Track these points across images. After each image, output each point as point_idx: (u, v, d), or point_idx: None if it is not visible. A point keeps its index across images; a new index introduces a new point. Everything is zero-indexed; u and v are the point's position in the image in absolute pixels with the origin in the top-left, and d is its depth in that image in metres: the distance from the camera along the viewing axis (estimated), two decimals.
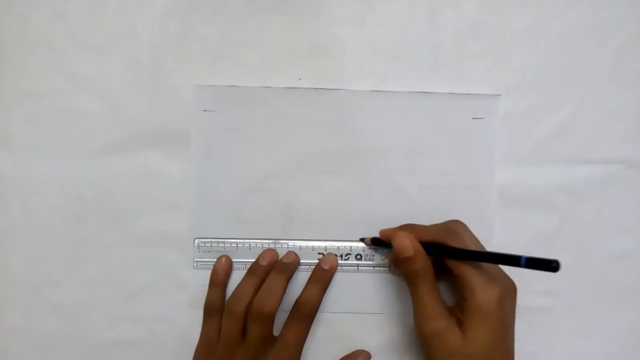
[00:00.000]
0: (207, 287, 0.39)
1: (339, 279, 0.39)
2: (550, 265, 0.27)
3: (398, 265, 0.39)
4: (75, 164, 0.39)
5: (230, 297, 0.38)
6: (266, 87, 0.39)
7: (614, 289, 0.40)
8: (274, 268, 0.38)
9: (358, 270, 0.39)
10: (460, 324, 0.33)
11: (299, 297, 0.38)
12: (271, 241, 0.39)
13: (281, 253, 0.39)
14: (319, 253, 0.39)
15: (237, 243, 0.39)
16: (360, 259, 0.39)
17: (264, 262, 0.38)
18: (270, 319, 0.36)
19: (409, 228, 0.37)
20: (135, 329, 0.39)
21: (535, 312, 0.40)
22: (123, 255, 0.39)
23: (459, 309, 0.33)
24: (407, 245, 0.34)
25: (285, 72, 0.39)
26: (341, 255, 0.39)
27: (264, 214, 0.39)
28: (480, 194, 0.40)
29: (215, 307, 0.38)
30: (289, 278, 0.38)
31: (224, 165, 0.39)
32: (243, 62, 0.39)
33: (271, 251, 0.39)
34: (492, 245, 0.39)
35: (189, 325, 0.39)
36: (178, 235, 0.39)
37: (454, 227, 0.35)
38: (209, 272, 0.39)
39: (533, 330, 0.40)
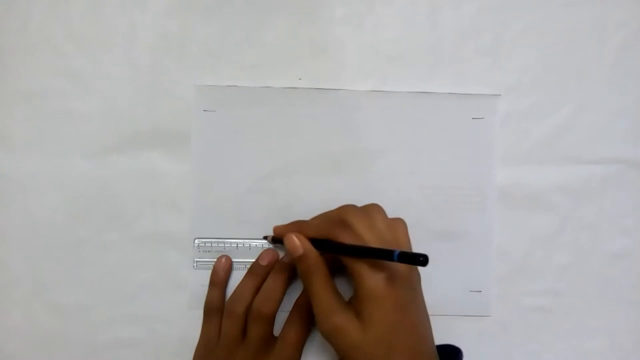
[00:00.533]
0: (207, 287, 0.39)
1: None
2: (419, 260, 0.29)
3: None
4: (75, 164, 0.39)
5: (230, 298, 0.38)
6: (266, 87, 0.39)
7: (614, 289, 0.40)
8: (274, 268, 0.38)
9: None
10: (358, 313, 0.32)
11: (299, 297, 0.38)
12: None
13: (281, 253, 0.39)
14: None
15: (237, 243, 0.39)
16: None
17: (264, 262, 0.38)
18: (271, 319, 0.36)
19: (298, 225, 0.37)
20: (135, 329, 0.39)
21: (535, 312, 0.40)
22: (123, 255, 0.39)
23: (355, 299, 0.33)
24: (296, 244, 0.34)
25: (285, 72, 0.39)
26: None
27: (264, 214, 0.39)
28: (480, 194, 0.40)
29: (215, 307, 0.38)
30: (289, 278, 0.38)
31: (224, 165, 0.39)
32: (243, 62, 0.39)
33: (271, 251, 0.39)
34: (492, 245, 0.40)
35: (189, 325, 0.39)
36: (178, 235, 0.39)
37: (342, 215, 0.34)
38: (209, 272, 0.39)
39: (533, 330, 0.40)
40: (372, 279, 0.32)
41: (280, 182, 0.39)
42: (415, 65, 0.40)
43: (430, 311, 0.39)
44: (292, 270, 0.38)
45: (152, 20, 0.39)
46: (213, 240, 0.39)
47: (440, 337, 0.39)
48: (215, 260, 0.39)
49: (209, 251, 0.39)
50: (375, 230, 0.34)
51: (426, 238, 0.39)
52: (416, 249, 0.39)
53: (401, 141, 0.40)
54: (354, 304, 0.33)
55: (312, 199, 0.39)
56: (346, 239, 0.33)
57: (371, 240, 0.33)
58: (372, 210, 0.35)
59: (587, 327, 0.40)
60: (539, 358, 0.40)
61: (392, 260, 0.30)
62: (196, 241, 0.39)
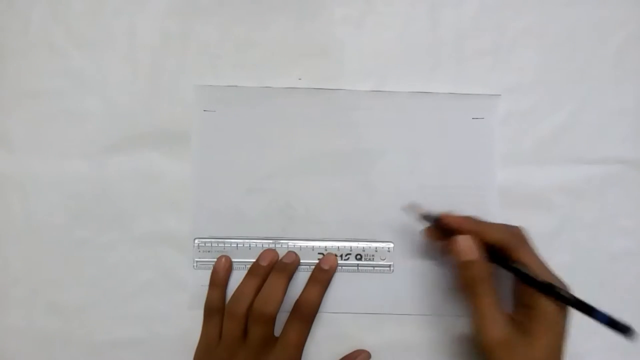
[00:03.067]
0: (207, 287, 0.39)
1: (338, 279, 0.39)
2: (627, 331, 0.30)
3: (456, 267, 0.35)
4: (75, 164, 0.39)
5: (231, 298, 0.38)
6: (266, 87, 0.39)
7: (614, 289, 0.40)
8: (274, 268, 0.38)
9: (358, 271, 0.39)
10: (525, 331, 0.32)
11: (299, 297, 0.38)
12: (271, 241, 0.39)
13: (281, 253, 0.39)
14: (318, 253, 0.39)
15: (237, 243, 0.39)
16: (360, 259, 0.39)
17: (264, 263, 0.38)
18: (272, 319, 0.36)
19: (473, 223, 0.34)
20: (135, 329, 0.39)
21: None
22: (123, 255, 0.39)
23: (523, 316, 0.33)
24: (470, 247, 0.33)
25: (285, 72, 0.39)
26: (341, 255, 0.39)
27: (264, 214, 0.39)
28: (480, 194, 0.40)
29: (216, 308, 0.38)
30: (289, 278, 0.38)
31: (224, 165, 0.39)
32: (243, 62, 0.39)
33: (271, 251, 0.39)
34: None
35: (189, 325, 0.39)
36: (178, 235, 0.39)
37: (522, 233, 0.35)
38: (209, 272, 0.39)
39: None
40: (550, 302, 0.32)
41: (280, 182, 0.39)
42: (415, 65, 0.40)
43: (430, 311, 0.39)
44: (292, 271, 0.38)
45: (152, 20, 0.39)
46: (213, 240, 0.39)
47: (440, 336, 0.39)
48: (215, 260, 0.39)
49: (209, 251, 0.39)
50: (540, 258, 0.34)
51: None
52: (416, 248, 0.39)
53: (401, 141, 0.40)
54: (520, 320, 0.33)
55: (312, 199, 0.39)
56: (526, 256, 0.33)
57: (543, 268, 0.33)
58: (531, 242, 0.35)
59: (587, 327, 0.40)
60: None
61: (595, 318, 0.31)
62: (196, 241, 0.39)
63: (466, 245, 0.33)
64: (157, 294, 0.39)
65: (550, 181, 0.40)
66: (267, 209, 0.39)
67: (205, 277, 0.39)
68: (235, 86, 0.39)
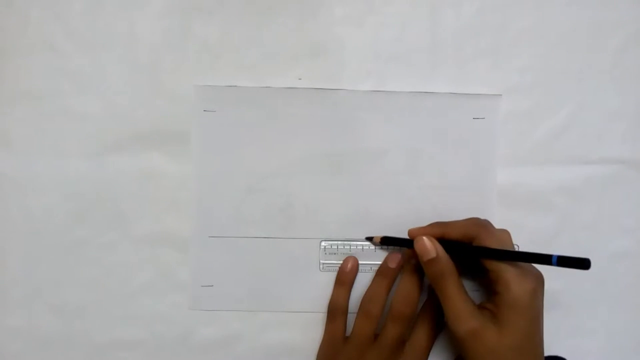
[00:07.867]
0: (207, 288, 0.39)
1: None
2: (582, 264, 0.29)
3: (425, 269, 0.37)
4: (75, 164, 0.39)
5: (364, 298, 0.38)
6: (266, 87, 0.39)
7: (613, 289, 0.40)
8: (406, 270, 0.37)
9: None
10: (494, 318, 0.33)
11: (427, 300, 0.38)
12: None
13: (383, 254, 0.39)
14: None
15: (362, 246, 0.39)
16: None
17: (393, 265, 0.38)
18: (411, 319, 0.36)
19: (438, 226, 0.36)
20: (135, 329, 0.39)
21: None
22: (123, 256, 0.39)
23: (492, 304, 0.33)
24: (428, 247, 0.34)
25: (285, 72, 0.39)
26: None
27: (264, 214, 0.39)
28: (480, 194, 0.40)
29: (341, 307, 0.38)
30: (422, 279, 0.37)
31: (224, 165, 0.39)
32: (243, 62, 0.39)
33: (398, 254, 0.38)
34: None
35: (189, 325, 0.39)
36: (178, 235, 0.39)
37: (484, 221, 0.35)
38: (334, 274, 0.39)
39: None
40: (519, 287, 0.32)
41: (280, 182, 0.39)
42: (415, 65, 0.40)
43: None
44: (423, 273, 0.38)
45: (152, 20, 0.39)
46: (339, 242, 0.39)
47: (441, 336, 0.39)
48: (341, 262, 0.39)
49: (335, 253, 0.39)
50: (507, 239, 0.35)
51: None
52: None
53: (401, 141, 0.40)
54: (490, 307, 0.33)
55: (312, 199, 0.39)
56: (491, 242, 0.34)
57: (503, 244, 0.34)
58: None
59: (587, 327, 0.40)
60: None
61: (549, 264, 0.30)
62: (322, 243, 0.39)
63: (425, 246, 0.34)
64: (157, 294, 0.39)
65: (550, 181, 0.40)
66: (267, 208, 0.39)
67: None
68: (235, 86, 0.39)
